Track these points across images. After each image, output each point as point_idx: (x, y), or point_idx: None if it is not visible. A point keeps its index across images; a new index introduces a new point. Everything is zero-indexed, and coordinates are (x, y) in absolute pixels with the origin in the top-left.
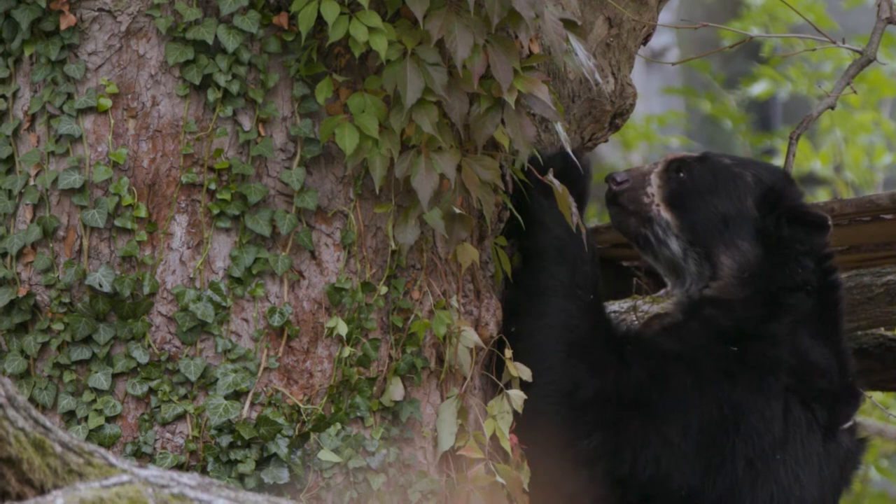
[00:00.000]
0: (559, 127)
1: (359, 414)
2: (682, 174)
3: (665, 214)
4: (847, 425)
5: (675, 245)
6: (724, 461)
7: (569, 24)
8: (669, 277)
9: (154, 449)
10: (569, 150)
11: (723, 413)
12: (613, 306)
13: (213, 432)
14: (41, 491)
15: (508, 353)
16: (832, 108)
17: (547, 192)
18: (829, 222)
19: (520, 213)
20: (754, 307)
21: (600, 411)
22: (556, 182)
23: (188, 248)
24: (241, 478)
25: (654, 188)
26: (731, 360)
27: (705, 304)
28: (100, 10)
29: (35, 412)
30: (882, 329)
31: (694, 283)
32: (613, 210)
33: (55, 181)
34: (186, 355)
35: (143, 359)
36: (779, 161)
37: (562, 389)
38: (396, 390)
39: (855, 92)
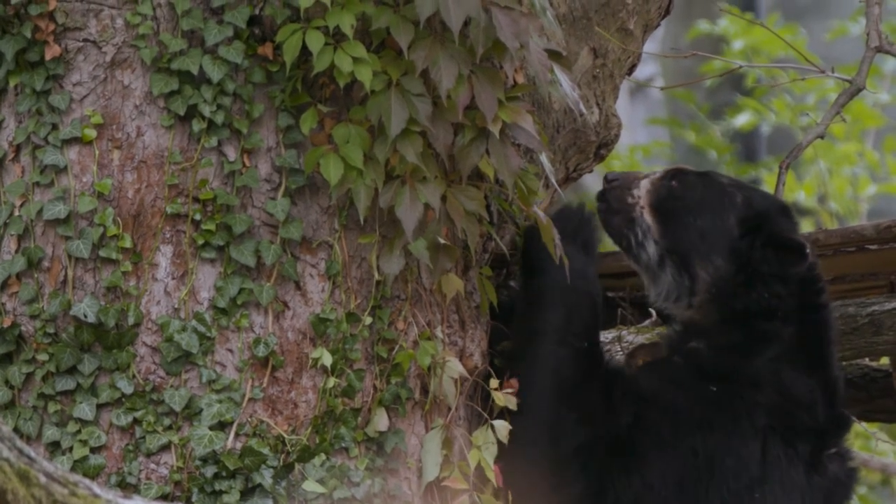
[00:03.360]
0: (543, 157)
1: (343, 444)
2: (674, 183)
3: (648, 218)
4: (833, 451)
5: (651, 249)
6: (707, 494)
7: (553, 55)
8: (649, 285)
9: (139, 479)
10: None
11: (697, 460)
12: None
13: (198, 462)
14: None
15: (494, 383)
16: (822, 136)
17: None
18: (807, 249)
19: (524, 256)
20: (732, 337)
21: (586, 459)
22: (542, 214)
23: (173, 278)
24: None
25: (641, 191)
26: (708, 403)
27: (690, 336)
28: (85, 40)
29: (20, 442)
30: (867, 360)
31: (671, 293)
32: (601, 206)
33: (40, 212)
34: (171, 386)
35: (128, 389)
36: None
37: (550, 438)
38: (381, 421)
39: (845, 120)
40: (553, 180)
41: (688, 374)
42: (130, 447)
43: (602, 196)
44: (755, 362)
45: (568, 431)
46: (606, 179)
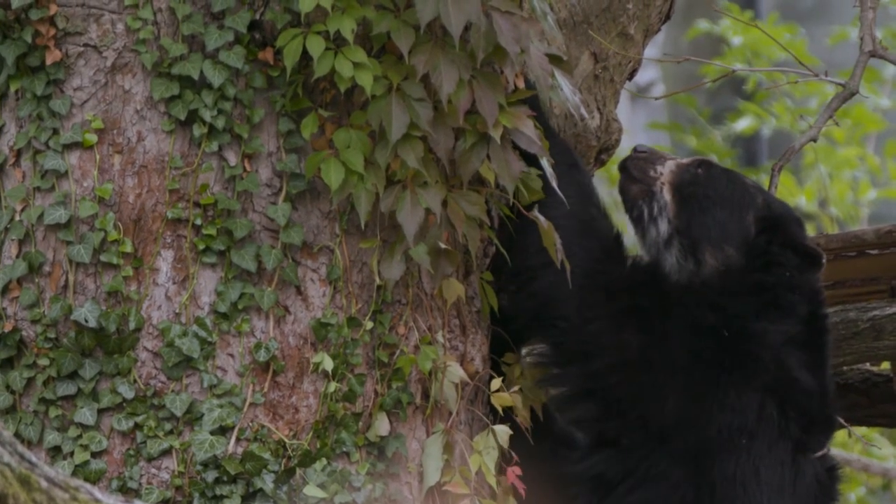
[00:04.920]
0: (545, 162)
1: (344, 449)
2: (700, 170)
3: (667, 195)
4: (820, 453)
5: (664, 227)
6: (699, 416)
7: (554, 59)
8: None
9: (140, 484)
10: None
11: (709, 370)
12: None
13: (199, 467)
14: None
15: (496, 384)
16: (814, 140)
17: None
18: (823, 259)
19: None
20: (748, 301)
21: (611, 300)
22: (542, 218)
23: (174, 283)
24: None
25: (665, 169)
26: (720, 340)
27: (699, 287)
28: (85, 45)
29: (21, 447)
30: (867, 364)
31: (672, 276)
32: (622, 175)
33: (41, 216)
34: (172, 390)
35: (129, 394)
36: None
37: (582, 267)
38: (382, 425)
39: (837, 124)
40: (554, 184)
41: (701, 311)
42: (131, 452)
43: (624, 164)
44: (762, 325)
45: (597, 260)
46: (635, 150)
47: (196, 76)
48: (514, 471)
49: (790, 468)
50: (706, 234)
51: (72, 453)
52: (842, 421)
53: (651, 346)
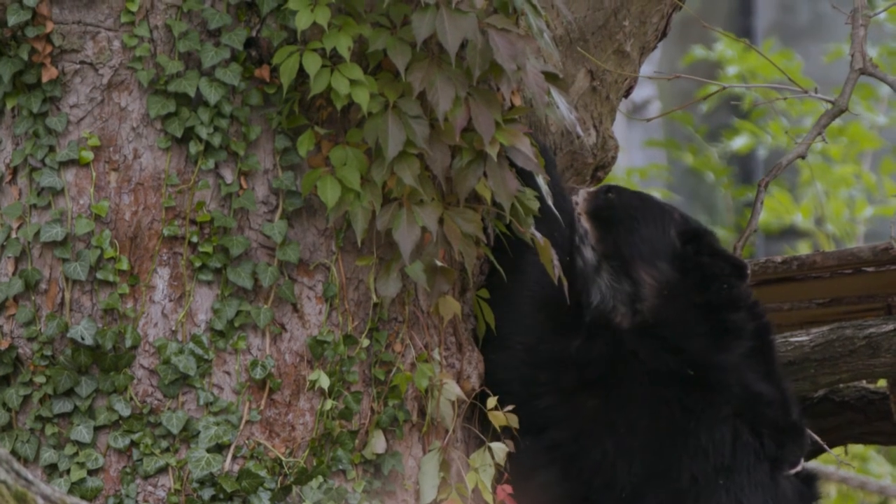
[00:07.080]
0: (540, 180)
1: (341, 467)
2: (610, 194)
3: (585, 224)
4: (795, 470)
5: (589, 254)
6: (669, 469)
7: (551, 77)
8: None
9: (136, 502)
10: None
11: (674, 418)
12: None
13: (196, 485)
14: None
15: (491, 402)
16: (803, 157)
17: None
18: (748, 269)
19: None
20: (697, 328)
21: (557, 375)
22: (539, 235)
23: (170, 300)
24: None
25: (578, 198)
26: (682, 377)
27: (650, 328)
28: (82, 62)
29: (17, 465)
30: (864, 382)
31: (607, 302)
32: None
33: (37, 234)
34: (168, 408)
35: (126, 412)
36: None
37: (524, 343)
38: (378, 443)
39: (825, 141)
40: (549, 202)
41: (660, 358)
42: (128, 469)
43: None
44: (721, 358)
45: (544, 339)
46: None
47: (192, 93)
48: (504, 489)
49: (770, 488)
50: (637, 252)
51: (68, 471)
52: (814, 436)
53: (610, 411)
